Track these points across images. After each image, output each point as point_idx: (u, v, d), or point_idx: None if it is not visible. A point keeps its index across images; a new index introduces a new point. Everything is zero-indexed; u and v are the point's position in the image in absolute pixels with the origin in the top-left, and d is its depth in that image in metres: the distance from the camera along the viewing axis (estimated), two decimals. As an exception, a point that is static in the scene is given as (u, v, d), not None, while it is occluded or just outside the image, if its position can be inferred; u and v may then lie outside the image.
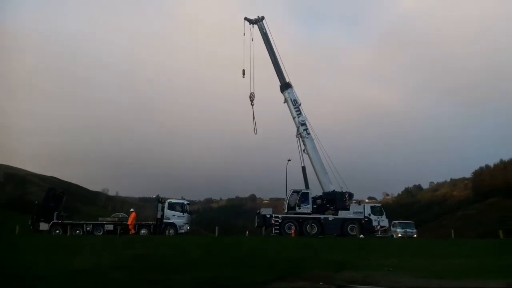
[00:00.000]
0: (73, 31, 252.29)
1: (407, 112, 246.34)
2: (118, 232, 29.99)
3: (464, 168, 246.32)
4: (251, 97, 35.59)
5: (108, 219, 34.52)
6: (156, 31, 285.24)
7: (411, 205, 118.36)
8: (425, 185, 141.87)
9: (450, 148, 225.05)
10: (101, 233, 31.49)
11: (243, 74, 34.99)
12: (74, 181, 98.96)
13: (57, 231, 31.66)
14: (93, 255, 14.01)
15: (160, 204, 32.71)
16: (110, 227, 31.98)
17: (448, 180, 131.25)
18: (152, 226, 32.06)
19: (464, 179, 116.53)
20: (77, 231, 31.63)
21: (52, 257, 13.25)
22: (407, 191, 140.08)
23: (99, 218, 34.84)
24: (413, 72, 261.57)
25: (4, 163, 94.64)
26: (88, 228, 32.07)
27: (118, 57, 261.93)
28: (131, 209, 33.00)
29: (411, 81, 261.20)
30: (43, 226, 32.01)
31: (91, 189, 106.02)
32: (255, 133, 36.11)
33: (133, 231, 30.11)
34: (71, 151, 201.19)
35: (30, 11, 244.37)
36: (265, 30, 36.18)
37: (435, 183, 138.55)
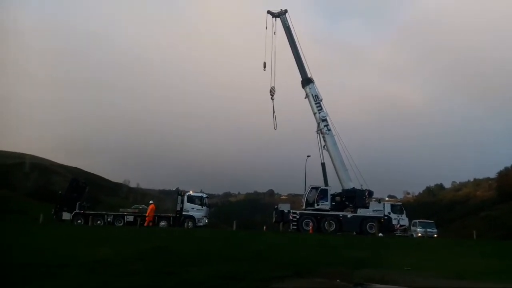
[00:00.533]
0: (95, 21, 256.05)
1: (430, 109, 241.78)
2: (138, 223, 30.44)
3: (488, 168, 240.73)
4: (272, 92, 35.30)
5: (129, 210, 35.13)
6: (183, 24, 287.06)
7: (433, 204, 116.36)
8: (447, 185, 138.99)
9: (474, 147, 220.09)
10: (121, 224, 31.99)
11: (264, 66, 34.75)
12: (96, 172, 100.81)
13: (79, 221, 32.29)
14: (114, 245, 14.25)
15: (179, 197, 33.10)
16: (130, 218, 32.48)
17: (472, 179, 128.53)
18: (171, 218, 32.46)
19: (488, 179, 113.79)
20: (99, 222, 32.20)
21: (73, 247, 13.53)
22: (428, 190, 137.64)
23: (120, 209, 35.45)
24: (435, 69, 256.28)
25: (29, 153, 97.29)
26: (109, 219, 32.63)
27: (139, 47, 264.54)
28: (150, 201, 33.46)
29: (434, 78, 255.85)
30: (66, 215, 32.71)
31: (113, 180, 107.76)
32: (275, 128, 35.80)
33: (146, 223, 30.23)
34: (94, 142, 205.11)
35: None
36: (288, 24, 35.80)
37: (458, 182, 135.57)
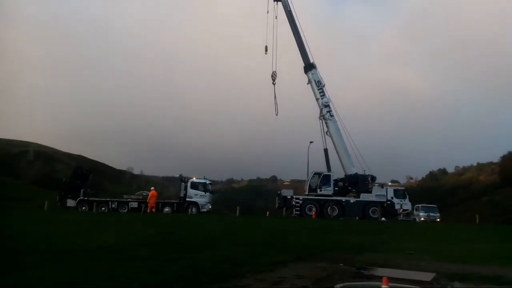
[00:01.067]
0: (97, 14, 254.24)
1: (434, 95, 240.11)
2: (142, 209, 30.64)
3: (491, 152, 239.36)
4: (273, 76, 34.98)
5: (133, 197, 35.42)
6: (179, 12, 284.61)
7: (436, 189, 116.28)
8: (450, 169, 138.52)
9: (477, 132, 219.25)
10: (125, 210, 32.25)
11: (266, 50, 34.28)
12: (100, 160, 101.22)
13: (83, 208, 32.58)
14: (118, 232, 14.36)
15: (183, 183, 33.37)
16: (134, 204, 32.74)
17: (475, 164, 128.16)
18: (175, 204, 32.73)
19: (491, 163, 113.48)
20: (103, 208, 32.45)
21: (78, 233, 13.65)
22: (431, 175, 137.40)
23: (124, 196, 35.74)
24: (441, 55, 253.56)
25: (33, 141, 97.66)
26: (113, 205, 32.92)
27: (143, 39, 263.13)
28: (152, 187, 33.57)
29: (438, 64, 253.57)
30: (70, 202, 33.01)
31: (116, 167, 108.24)
32: (276, 114, 35.57)
33: (149, 209, 30.11)
34: (98, 131, 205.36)
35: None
36: (290, 8, 35.29)
37: (461, 167, 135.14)
